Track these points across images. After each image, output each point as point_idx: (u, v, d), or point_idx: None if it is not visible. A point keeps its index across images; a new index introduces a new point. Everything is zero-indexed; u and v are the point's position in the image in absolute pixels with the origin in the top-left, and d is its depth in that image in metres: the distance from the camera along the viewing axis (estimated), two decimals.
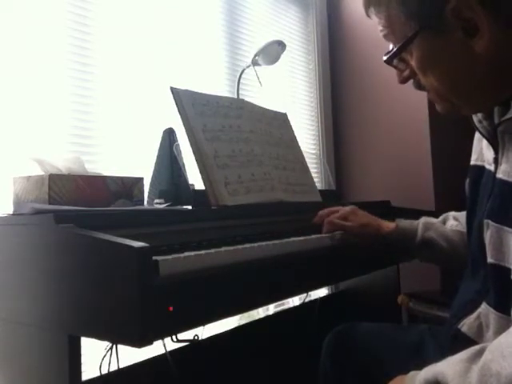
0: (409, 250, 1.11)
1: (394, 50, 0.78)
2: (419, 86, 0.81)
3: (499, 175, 0.74)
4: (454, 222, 1.11)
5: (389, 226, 1.13)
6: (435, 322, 1.53)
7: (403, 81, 0.82)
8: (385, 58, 0.80)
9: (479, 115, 0.81)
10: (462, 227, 1.07)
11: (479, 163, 0.86)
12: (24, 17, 1.29)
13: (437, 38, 0.73)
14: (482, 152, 0.85)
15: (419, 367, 0.63)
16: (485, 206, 0.77)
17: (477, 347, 0.59)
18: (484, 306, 0.77)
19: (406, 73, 0.81)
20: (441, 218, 1.14)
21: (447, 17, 0.70)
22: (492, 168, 0.78)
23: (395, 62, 0.81)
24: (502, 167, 0.73)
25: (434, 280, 1.97)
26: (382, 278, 1.84)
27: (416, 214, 1.24)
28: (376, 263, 1.35)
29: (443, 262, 1.20)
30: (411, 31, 0.74)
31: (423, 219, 1.12)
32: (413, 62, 0.77)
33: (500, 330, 0.69)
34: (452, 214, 1.14)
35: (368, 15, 0.81)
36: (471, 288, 0.82)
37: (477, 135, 0.90)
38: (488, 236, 0.74)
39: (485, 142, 0.82)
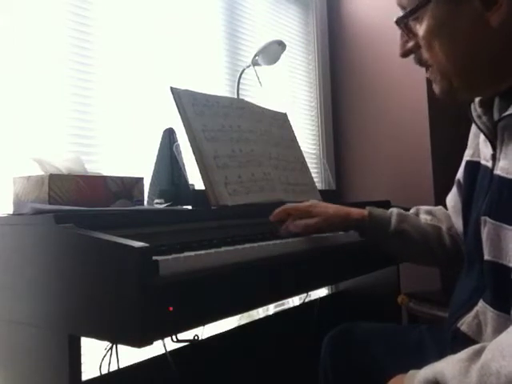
0: (380, 239, 1.06)
1: (408, 10, 0.76)
2: (420, 61, 0.80)
3: (497, 172, 0.72)
4: (428, 216, 1.07)
5: (360, 212, 1.06)
6: (435, 321, 1.53)
7: (405, 53, 0.81)
8: (396, 18, 0.78)
9: (478, 110, 0.79)
10: (437, 221, 1.05)
11: (475, 159, 0.85)
12: (24, 17, 1.29)
13: (452, 4, 0.72)
14: (478, 148, 0.84)
15: (419, 367, 0.63)
16: (481, 202, 0.76)
17: (476, 347, 0.59)
18: (481, 304, 0.76)
19: (410, 44, 0.79)
20: (412, 210, 1.11)
21: None
22: (489, 164, 0.77)
23: (403, 26, 0.79)
24: (501, 164, 0.72)
25: (434, 280, 1.97)
26: (382, 278, 1.83)
27: None
28: (376, 263, 1.35)
29: (414, 256, 1.10)
30: None
31: (396, 210, 1.07)
32: (421, 31, 0.76)
33: (498, 328, 0.69)
34: (423, 208, 1.10)
35: None
36: (467, 286, 0.82)
37: (473, 130, 0.89)
38: (485, 233, 0.73)
39: (482, 137, 0.81)
